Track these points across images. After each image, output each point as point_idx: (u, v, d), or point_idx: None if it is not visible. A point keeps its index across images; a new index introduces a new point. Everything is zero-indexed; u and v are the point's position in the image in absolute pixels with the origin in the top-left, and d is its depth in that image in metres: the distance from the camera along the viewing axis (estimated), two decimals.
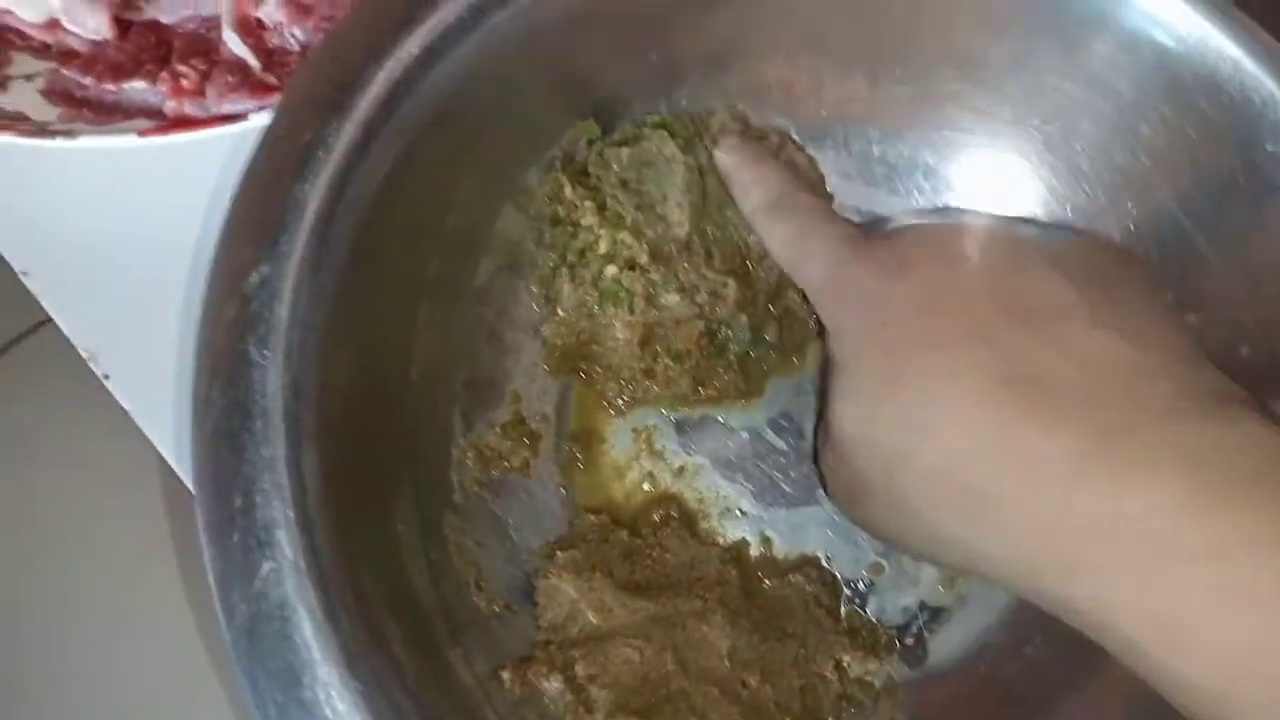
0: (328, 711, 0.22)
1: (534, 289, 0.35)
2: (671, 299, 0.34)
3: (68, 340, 0.34)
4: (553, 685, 0.28)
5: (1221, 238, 0.30)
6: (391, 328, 0.30)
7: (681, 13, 0.33)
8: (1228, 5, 0.29)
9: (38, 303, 0.35)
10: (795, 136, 0.37)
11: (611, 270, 0.34)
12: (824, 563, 0.34)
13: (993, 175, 0.35)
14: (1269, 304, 0.30)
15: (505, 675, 0.28)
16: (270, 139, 0.28)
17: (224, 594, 0.22)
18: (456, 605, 0.29)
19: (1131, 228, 0.32)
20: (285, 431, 0.24)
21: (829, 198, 0.37)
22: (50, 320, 0.35)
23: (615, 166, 0.34)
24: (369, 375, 0.28)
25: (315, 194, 0.27)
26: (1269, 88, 0.29)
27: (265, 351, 0.24)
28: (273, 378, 0.24)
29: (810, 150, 0.36)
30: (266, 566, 0.22)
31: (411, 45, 0.29)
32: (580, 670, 0.29)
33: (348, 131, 0.28)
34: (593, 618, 0.30)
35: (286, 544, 0.23)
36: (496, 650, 0.29)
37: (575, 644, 0.29)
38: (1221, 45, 0.29)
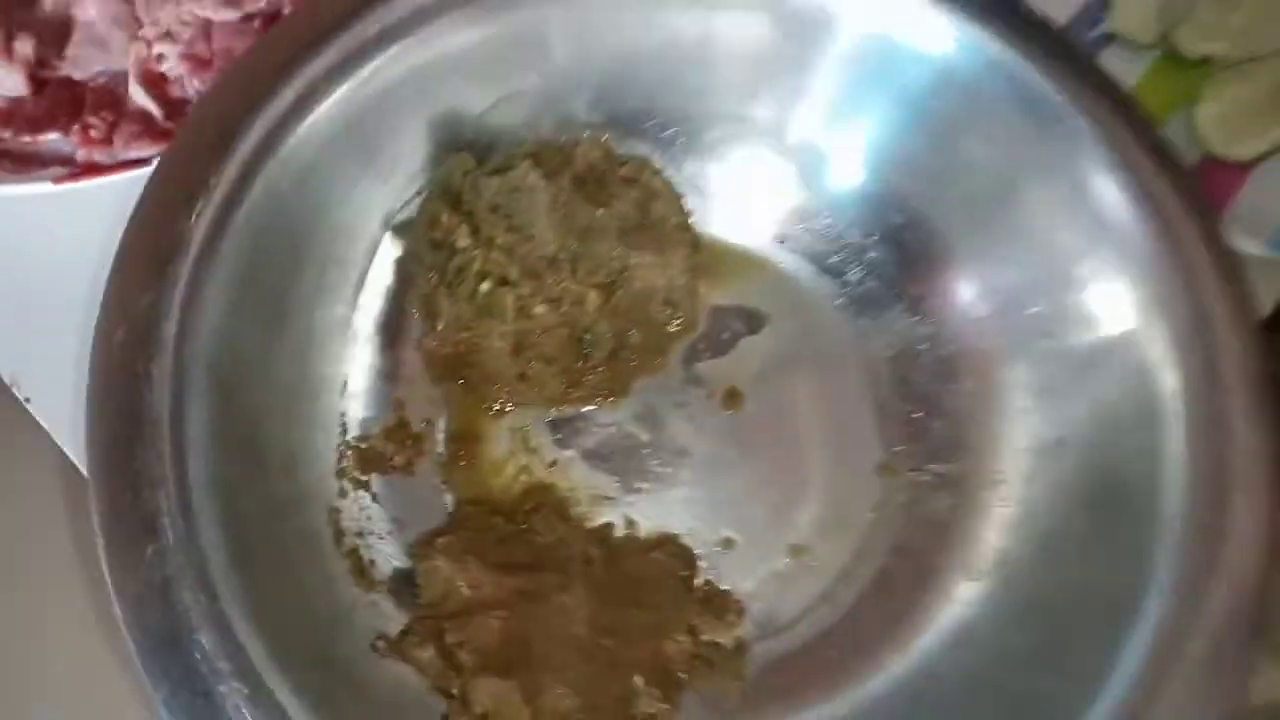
0: (205, 669, 0.25)
1: (416, 305, 0.39)
2: (540, 310, 0.38)
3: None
4: (425, 653, 0.32)
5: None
6: (270, 344, 0.33)
7: (539, 57, 0.37)
8: None
9: None
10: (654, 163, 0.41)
11: (485, 286, 0.38)
12: (681, 539, 0.38)
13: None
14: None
15: (380, 645, 0.32)
16: (159, 179, 0.31)
17: (115, 575, 0.26)
18: (340, 590, 0.33)
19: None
20: (170, 437, 0.28)
21: (688, 214, 0.41)
22: None
23: (486, 194, 0.38)
24: (249, 387, 0.32)
25: (199, 227, 0.31)
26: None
27: (152, 367, 0.28)
28: (159, 391, 0.28)
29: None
30: (150, 549, 0.26)
31: (288, 93, 0.33)
32: (450, 638, 0.33)
33: (229, 171, 0.32)
34: (465, 592, 0.34)
35: (169, 530, 0.26)
36: (377, 627, 0.33)
37: (447, 617, 0.33)
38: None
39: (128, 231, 0.30)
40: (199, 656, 0.25)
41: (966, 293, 0.37)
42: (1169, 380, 0.33)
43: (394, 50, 0.35)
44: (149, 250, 0.30)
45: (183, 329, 0.29)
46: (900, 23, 0.36)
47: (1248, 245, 0.44)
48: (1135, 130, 0.35)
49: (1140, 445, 0.32)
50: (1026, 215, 0.36)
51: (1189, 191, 0.34)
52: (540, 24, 0.36)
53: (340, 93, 0.34)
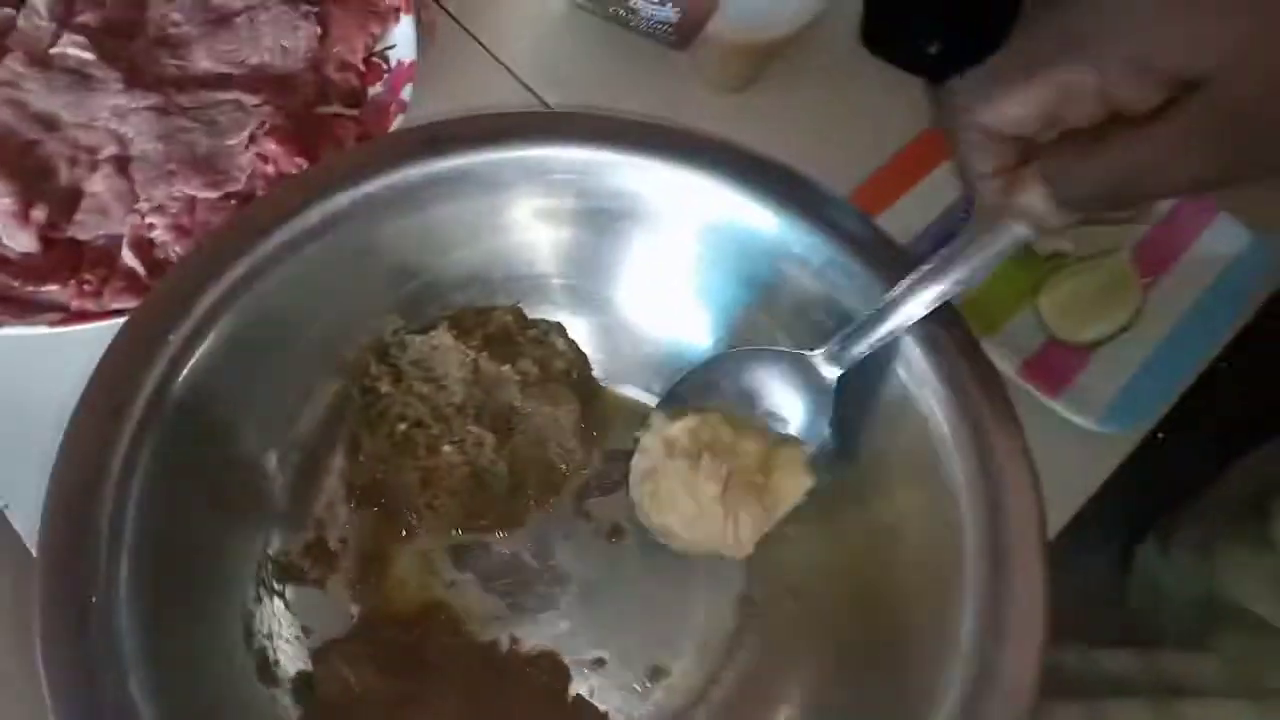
0: None
1: (341, 440, 0.45)
2: (447, 449, 0.45)
3: None
4: None
5: None
6: (206, 465, 0.40)
7: (450, 247, 0.45)
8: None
9: None
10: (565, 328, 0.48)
11: (402, 427, 0.45)
12: (558, 656, 0.43)
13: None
14: None
15: None
16: (127, 329, 0.38)
17: (46, 650, 0.32)
18: (243, 683, 0.38)
19: None
20: (107, 540, 0.34)
21: (589, 370, 0.48)
22: None
23: (410, 349, 0.46)
24: (184, 500, 0.38)
25: (156, 370, 0.37)
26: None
27: (101, 492, 0.35)
28: (103, 505, 0.34)
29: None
30: (78, 635, 0.32)
31: (240, 267, 0.40)
32: None
33: (185, 325, 0.39)
34: (356, 692, 0.39)
35: (95, 616, 0.32)
36: (275, 716, 0.38)
37: (337, 714, 0.38)
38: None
39: (89, 385, 0.37)
40: None
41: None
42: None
43: (329, 238, 0.42)
44: (109, 390, 0.37)
45: (127, 458, 0.36)
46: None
47: (1081, 421, 0.50)
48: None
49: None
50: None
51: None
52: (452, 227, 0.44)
53: (279, 274, 0.41)
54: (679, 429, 0.42)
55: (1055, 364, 0.52)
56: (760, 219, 0.43)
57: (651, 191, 0.43)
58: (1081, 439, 0.50)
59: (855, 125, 0.59)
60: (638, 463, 0.44)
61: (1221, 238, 0.56)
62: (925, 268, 0.37)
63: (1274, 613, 0.53)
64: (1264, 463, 0.63)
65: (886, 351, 0.40)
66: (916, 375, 0.40)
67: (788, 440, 0.42)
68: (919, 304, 0.37)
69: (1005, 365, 0.50)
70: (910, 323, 0.38)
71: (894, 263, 0.40)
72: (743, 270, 0.44)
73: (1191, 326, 0.54)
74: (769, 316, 0.44)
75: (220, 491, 0.40)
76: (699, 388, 0.44)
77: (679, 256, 0.45)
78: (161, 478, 0.37)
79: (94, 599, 0.34)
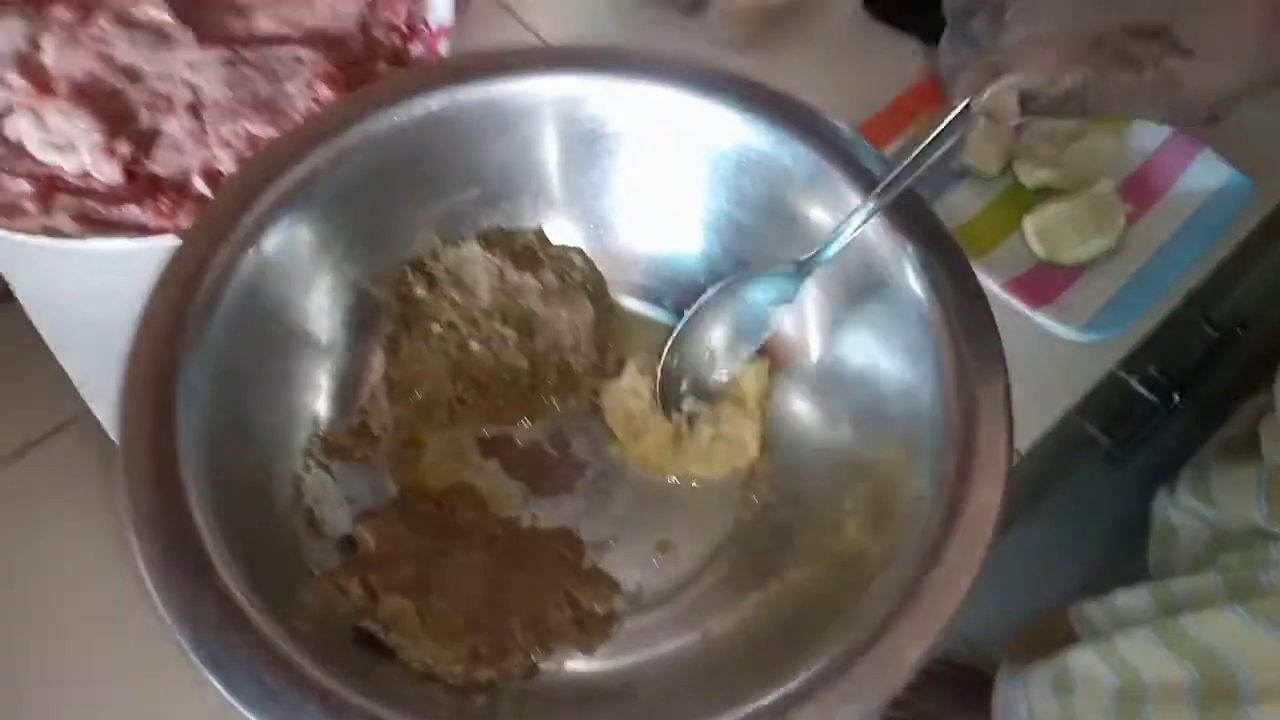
0: (196, 579, 0.36)
1: (381, 341, 0.50)
2: (475, 347, 0.50)
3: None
4: (351, 584, 0.42)
5: None
6: (263, 360, 0.45)
7: (476, 168, 0.50)
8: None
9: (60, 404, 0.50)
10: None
11: (436, 328, 0.50)
12: (573, 532, 0.47)
13: None
14: None
15: (319, 573, 0.42)
16: (189, 236, 0.44)
17: (134, 515, 0.37)
18: (295, 535, 0.43)
19: None
20: (180, 417, 0.39)
21: (604, 286, 0.53)
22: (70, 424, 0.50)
23: (443, 261, 0.51)
24: (245, 384, 0.43)
25: (212, 273, 0.43)
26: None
27: (170, 368, 0.40)
28: (173, 384, 0.40)
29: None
30: (161, 501, 0.37)
31: (290, 178, 0.46)
32: (372, 578, 0.42)
33: (240, 231, 0.44)
34: (388, 550, 0.44)
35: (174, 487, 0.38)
36: (321, 564, 0.43)
37: (373, 565, 0.43)
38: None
39: (159, 273, 0.42)
40: (194, 569, 0.36)
41: (788, 327, 0.49)
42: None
43: (370, 155, 0.48)
44: (175, 286, 0.42)
45: (195, 347, 0.41)
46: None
47: (1063, 331, 0.53)
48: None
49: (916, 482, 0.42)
50: None
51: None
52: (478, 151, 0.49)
53: (325, 186, 0.47)
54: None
55: (1041, 282, 0.56)
56: (751, 135, 0.47)
57: (647, 113, 0.49)
58: (1064, 348, 0.53)
59: (854, 80, 0.64)
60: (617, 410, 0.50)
61: (1205, 173, 0.60)
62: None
63: (1264, 516, 0.55)
64: (1258, 406, 0.66)
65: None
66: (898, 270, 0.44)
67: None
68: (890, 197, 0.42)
69: (989, 281, 0.53)
70: (881, 208, 0.42)
71: (878, 167, 0.45)
72: (736, 185, 0.49)
73: (1172, 252, 0.57)
74: (759, 225, 0.49)
75: (277, 367, 0.46)
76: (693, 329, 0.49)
77: (675, 175, 0.50)
78: (228, 347, 0.42)
79: (168, 468, 0.39)
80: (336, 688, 0.35)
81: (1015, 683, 0.70)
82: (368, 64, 0.58)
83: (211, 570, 0.37)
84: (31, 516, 0.95)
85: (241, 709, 0.34)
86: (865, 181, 0.45)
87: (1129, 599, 0.64)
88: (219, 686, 0.35)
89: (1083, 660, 0.63)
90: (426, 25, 0.61)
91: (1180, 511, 0.68)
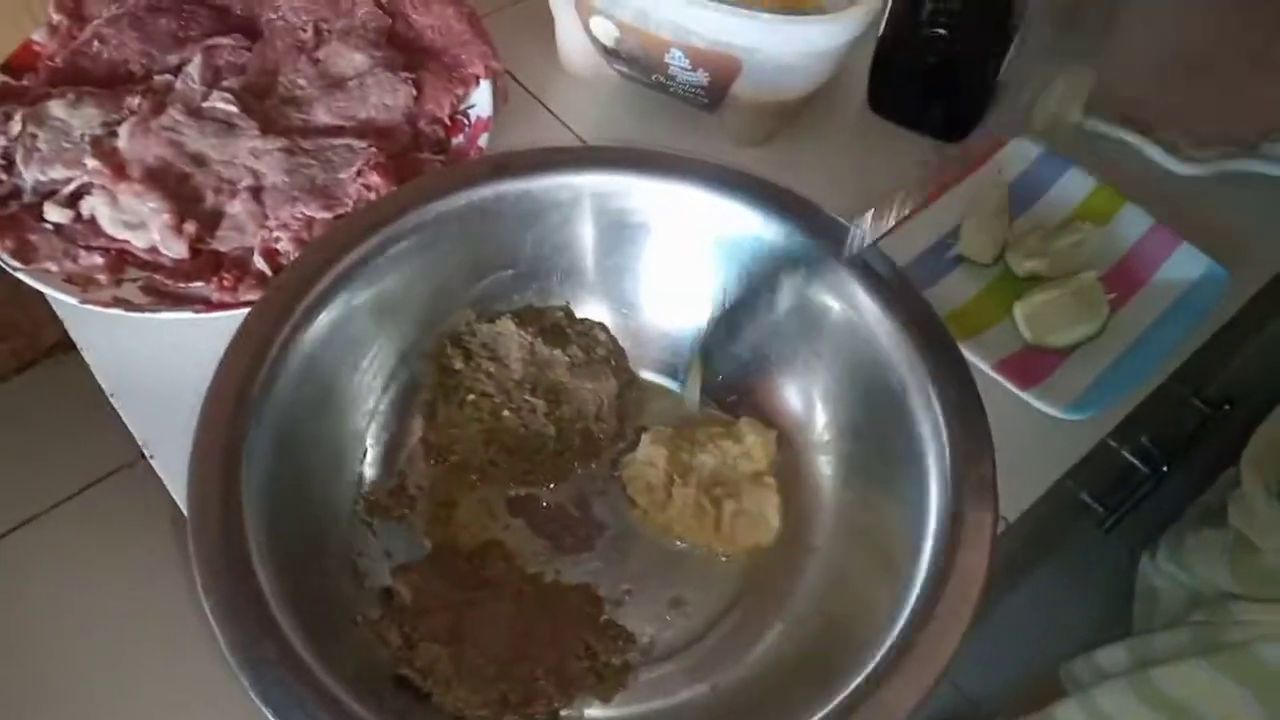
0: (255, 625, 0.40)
1: (420, 409, 0.55)
2: (506, 414, 0.54)
3: (141, 486, 0.53)
4: (390, 633, 0.46)
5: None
6: (318, 426, 0.50)
7: (512, 253, 0.55)
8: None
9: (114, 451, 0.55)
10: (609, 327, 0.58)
11: (470, 397, 0.55)
12: (593, 588, 0.51)
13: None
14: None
15: (360, 620, 0.46)
16: (254, 315, 0.49)
17: (200, 567, 0.41)
18: (340, 584, 0.47)
19: None
20: (243, 480, 0.43)
21: (625, 360, 0.57)
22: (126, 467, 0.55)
23: (479, 335, 0.56)
24: (302, 452, 0.48)
25: (274, 349, 0.48)
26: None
27: (237, 435, 0.44)
28: (239, 451, 0.44)
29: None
30: (223, 557, 0.41)
31: (339, 267, 0.50)
32: (408, 627, 0.46)
33: (298, 314, 0.49)
34: (424, 601, 0.48)
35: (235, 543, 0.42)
36: (361, 611, 0.47)
37: (409, 615, 0.47)
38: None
39: (229, 347, 0.47)
40: (255, 618, 0.40)
41: (796, 404, 0.53)
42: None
43: (418, 240, 0.53)
44: (243, 358, 0.47)
45: (259, 411, 0.46)
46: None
47: (1048, 409, 0.58)
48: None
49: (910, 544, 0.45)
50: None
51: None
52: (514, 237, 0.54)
53: (376, 269, 0.52)
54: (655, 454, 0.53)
55: (1029, 365, 0.60)
56: (763, 228, 0.52)
57: (669, 206, 0.54)
58: (1055, 423, 0.57)
59: (858, 173, 0.69)
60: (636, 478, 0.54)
61: (1184, 264, 0.64)
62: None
63: (1229, 580, 0.59)
64: (1229, 478, 0.70)
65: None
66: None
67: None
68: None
69: (980, 362, 0.58)
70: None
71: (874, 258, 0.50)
72: (748, 271, 0.54)
73: (1153, 338, 0.61)
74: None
75: (329, 433, 0.50)
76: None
77: (694, 262, 0.55)
78: (287, 416, 0.47)
79: (228, 510, 0.43)
80: None
81: None
82: (413, 153, 0.64)
83: (271, 619, 0.41)
84: (83, 549, 1.01)
85: None
86: (862, 270, 0.50)
87: (1108, 655, 0.68)
88: None
89: (1066, 713, 0.67)
90: (467, 118, 0.66)
91: (1160, 575, 0.71)
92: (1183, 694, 0.59)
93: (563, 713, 0.46)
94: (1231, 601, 0.59)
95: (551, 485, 0.55)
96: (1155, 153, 0.71)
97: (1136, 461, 0.77)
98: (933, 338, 0.48)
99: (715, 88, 0.67)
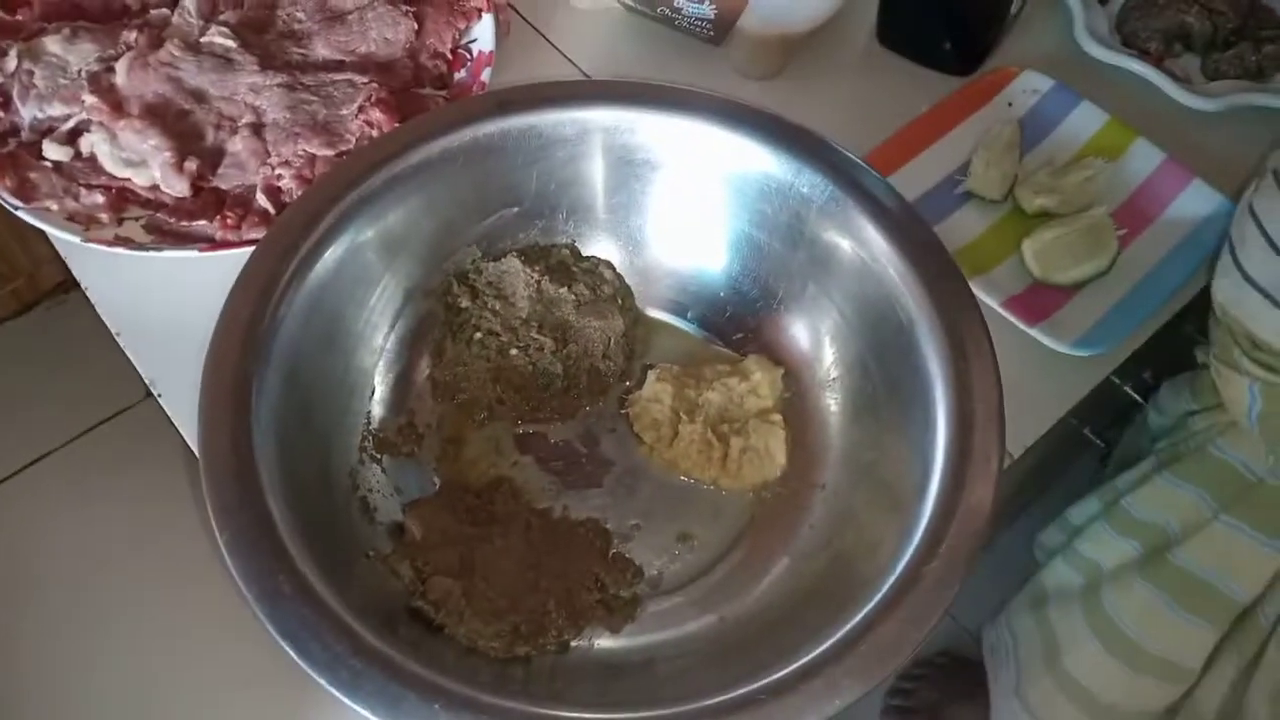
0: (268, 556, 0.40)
1: (428, 347, 0.55)
2: (514, 353, 0.54)
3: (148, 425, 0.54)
4: (401, 567, 0.47)
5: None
6: (325, 361, 0.50)
7: (517, 190, 0.55)
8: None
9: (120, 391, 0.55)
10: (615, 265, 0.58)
11: (478, 335, 0.55)
12: (602, 523, 0.52)
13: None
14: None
15: (372, 555, 0.47)
16: (259, 252, 0.48)
17: (213, 499, 0.41)
18: (351, 520, 0.48)
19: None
20: (251, 413, 0.44)
21: (631, 297, 0.57)
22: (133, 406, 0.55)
23: (485, 274, 0.56)
24: (309, 385, 0.48)
25: (282, 284, 0.47)
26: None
27: (245, 370, 0.44)
28: (247, 386, 0.44)
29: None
30: (237, 490, 0.41)
31: (345, 204, 0.50)
32: (420, 561, 0.47)
33: (304, 249, 0.48)
34: (434, 537, 0.48)
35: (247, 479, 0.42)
36: (374, 546, 0.48)
37: (421, 549, 0.48)
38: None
39: (235, 285, 0.47)
40: (270, 552, 0.40)
41: (804, 341, 0.53)
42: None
43: (423, 178, 0.52)
44: (250, 296, 0.47)
45: (266, 348, 0.46)
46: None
47: (1055, 345, 0.58)
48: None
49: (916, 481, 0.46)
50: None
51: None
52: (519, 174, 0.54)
53: (381, 206, 0.51)
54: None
55: (1037, 301, 0.60)
56: (772, 164, 0.52)
57: (677, 142, 0.53)
58: (1061, 360, 0.57)
59: (867, 107, 0.68)
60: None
61: (1194, 201, 0.64)
62: None
63: (1189, 400, 0.64)
64: None
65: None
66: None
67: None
68: None
69: (988, 299, 0.58)
70: None
71: (883, 192, 0.49)
72: (758, 209, 0.53)
73: (1162, 275, 0.61)
74: (779, 245, 0.54)
75: (337, 370, 0.50)
76: None
77: (702, 199, 0.55)
78: (295, 352, 0.47)
79: (239, 447, 0.43)
80: (395, 656, 0.40)
81: (997, 621, 0.76)
82: (415, 89, 0.63)
83: (285, 553, 0.41)
84: (92, 487, 1.02)
85: (311, 673, 0.39)
86: (872, 206, 0.50)
87: (1079, 510, 0.71)
88: (291, 654, 0.39)
89: (1053, 573, 0.69)
90: (469, 52, 0.65)
91: (1133, 431, 0.75)
92: (1149, 513, 0.63)
93: (573, 643, 0.47)
94: (1189, 417, 0.63)
95: (559, 422, 0.55)
96: (1166, 84, 0.70)
97: (1140, 398, 0.78)
98: (942, 274, 0.48)
99: (722, 20, 0.65)
